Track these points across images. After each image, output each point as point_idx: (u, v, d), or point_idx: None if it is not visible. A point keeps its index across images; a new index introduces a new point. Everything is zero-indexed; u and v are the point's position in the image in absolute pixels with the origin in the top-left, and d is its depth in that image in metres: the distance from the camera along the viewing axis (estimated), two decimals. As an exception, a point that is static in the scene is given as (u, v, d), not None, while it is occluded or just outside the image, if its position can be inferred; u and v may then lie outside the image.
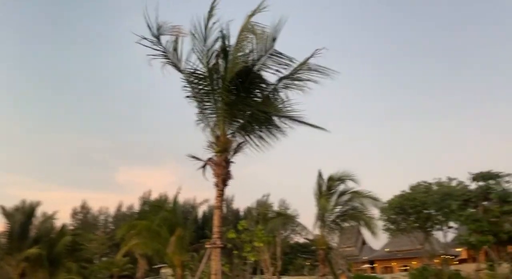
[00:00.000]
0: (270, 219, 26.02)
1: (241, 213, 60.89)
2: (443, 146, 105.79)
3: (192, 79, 10.16)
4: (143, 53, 9.41)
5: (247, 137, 10.94)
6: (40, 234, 26.76)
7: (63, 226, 28.63)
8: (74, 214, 63.87)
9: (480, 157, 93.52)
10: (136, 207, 62.37)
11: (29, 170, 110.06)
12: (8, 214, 26.05)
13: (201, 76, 10.14)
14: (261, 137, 11.10)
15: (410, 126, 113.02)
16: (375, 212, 23.13)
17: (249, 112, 10.74)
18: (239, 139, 10.85)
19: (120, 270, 41.32)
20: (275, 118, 10.98)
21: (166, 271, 43.52)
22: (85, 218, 64.02)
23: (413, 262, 41.60)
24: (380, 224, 33.27)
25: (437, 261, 32.65)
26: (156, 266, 45.77)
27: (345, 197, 22.70)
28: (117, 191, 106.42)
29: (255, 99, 10.79)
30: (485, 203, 21.69)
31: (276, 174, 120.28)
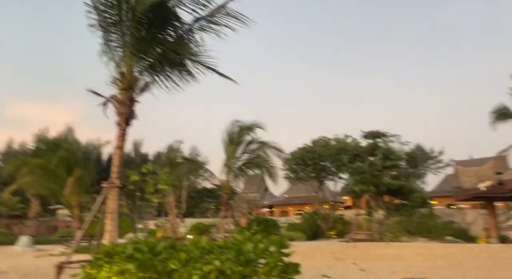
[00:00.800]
0: (179, 164, 26.16)
1: (150, 158, 59.72)
2: (348, 105, 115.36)
3: (98, 5, 9.11)
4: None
5: (156, 77, 10.47)
6: None
7: None
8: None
9: (375, 118, 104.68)
10: (29, 144, 56.50)
11: None
12: None
13: (109, 3, 9.16)
14: (171, 79, 10.72)
15: (321, 85, 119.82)
16: (278, 162, 24.84)
17: (160, 51, 10.20)
18: (147, 78, 10.35)
19: (9, 209, 38.14)
20: (188, 62, 10.63)
21: (63, 212, 41.48)
22: (-34, 153, 56.30)
23: (306, 207, 46.40)
24: (281, 173, 35.98)
25: (327, 207, 36.95)
26: (51, 207, 43.23)
27: (253, 146, 23.82)
28: (7, 126, 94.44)
29: (167, 37, 10.22)
30: (371, 158, 24.75)
31: (190, 120, 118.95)
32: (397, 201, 25.18)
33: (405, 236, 24.19)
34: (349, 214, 31.53)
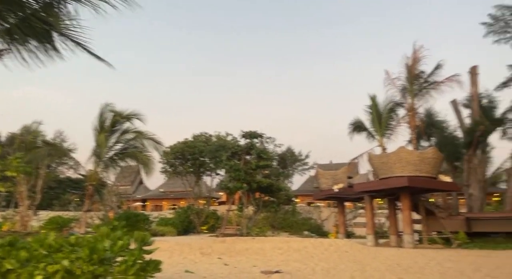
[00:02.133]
0: (36, 148, 22.86)
1: (2, 139, 50.90)
2: (234, 104, 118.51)
3: None
4: None
5: (12, 46, 8.93)
6: None
7: None
8: None
9: (254, 120, 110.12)
10: None
11: None
12: None
13: None
14: (32, 52, 9.28)
15: (207, 80, 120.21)
16: (156, 154, 23.90)
17: (21, 15, 8.72)
18: (1, 45, 8.76)
19: None
20: (55, 35, 9.35)
21: None
22: None
23: (181, 202, 46.00)
24: (159, 166, 34.86)
25: (202, 202, 37.27)
26: None
27: (128, 136, 22.41)
28: None
29: (32, 2, 8.82)
30: (247, 157, 25.90)
31: (59, 103, 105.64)
32: (266, 198, 26.94)
33: (270, 231, 26.10)
34: (222, 210, 32.43)
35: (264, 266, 10.19)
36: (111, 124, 22.20)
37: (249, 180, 24.82)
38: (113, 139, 22.18)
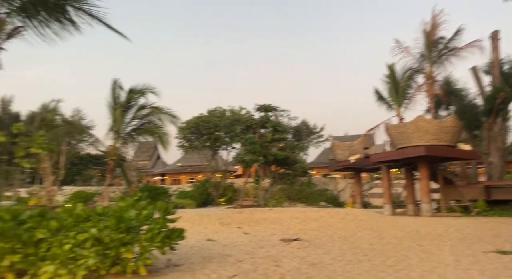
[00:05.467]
0: (56, 126, 23.37)
1: (23, 118, 52.17)
2: (246, 77, 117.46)
3: None
4: None
5: (28, 22, 8.95)
6: None
7: None
8: None
9: (270, 92, 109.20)
10: None
11: None
12: None
13: None
14: (48, 27, 9.30)
15: (220, 52, 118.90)
16: (172, 129, 24.15)
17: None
18: (17, 21, 8.80)
19: None
20: (70, 9, 9.32)
21: None
22: None
23: (199, 176, 46.84)
24: (175, 141, 35.33)
25: (219, 175, 37.86)
26: None
27: (144, 111, 22.52)
28: None
29: (44, -25, 8.76)
30: (262, 130, 25.93)
31: (74, 78, 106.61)
32: (281, 170, 27.15)
33: (286, 202, 26.46)
34: (239, 182, 32.93)
35: (282, 234, 10.42)
36: (126, 100, 22.33)
37: (265, 153, 24.94)
38: (129, 115, 22.37)
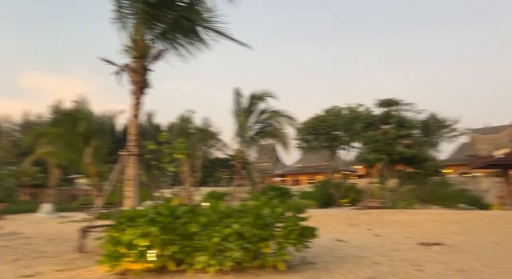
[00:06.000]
0: (192, 134, 26.33)
1: (163, 129, 60.30)
2: (360, 74, 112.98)
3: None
4: None
5: (168, 45, 10.34)
6: None
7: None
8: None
9: (388, 87, 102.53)
10: (46, 116, 57.51)
11: None
12: None
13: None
14: (183, 47, 10.59)
15: (334, 53, 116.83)
16: (290, 131, 24.75)
17: (172, 17, 10.00)
18: (159, 46, 10.23)
19: (30, 179, 39.43)
20: (199, 28, 10.43)
21: (81, 181, 42.73)
22: (-16, 125, 57.57)
23: (318, 177, 46.74)
24: (294, 142, 36.02)
25: (339, 176, 37.11)
26: (71, 176, 44.52)
27: (264, 116, 23.65)
28: (22, 97, 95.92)
29: (179, 3, 10.00)
30: (385, 126, 24.46)
31: (201, 90, 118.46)
32: (410, 169, 25.10)
33: (418, 204, 24.31)
34: (361, 183, 31.69)
35: (419, 238, 9.61)
36: (248, 106, 23.78)
37: (389, 151, 23.49)
38: (251, 120, 23.75)
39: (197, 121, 34.84)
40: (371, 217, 14.88)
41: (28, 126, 58.43)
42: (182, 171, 22.94)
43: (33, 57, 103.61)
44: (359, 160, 28.64)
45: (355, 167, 48.20)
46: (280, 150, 35.68)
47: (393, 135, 23.57)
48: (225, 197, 24.53)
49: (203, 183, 46.32)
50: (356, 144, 32.30)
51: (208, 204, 6.34)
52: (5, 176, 37.57)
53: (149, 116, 63.25)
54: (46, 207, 21.45)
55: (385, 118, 24.37)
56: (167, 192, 34.82)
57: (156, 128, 62.52)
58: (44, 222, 17.15)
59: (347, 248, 8.01)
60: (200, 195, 28.62)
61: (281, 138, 24.23)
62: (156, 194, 31.65)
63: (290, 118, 22.84)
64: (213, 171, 51.51)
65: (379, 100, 24.51)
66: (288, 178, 58.25)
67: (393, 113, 24.50)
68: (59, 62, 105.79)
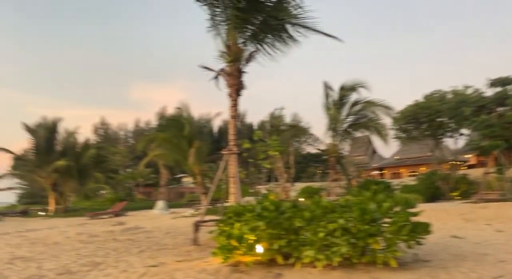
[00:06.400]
0: (283, 131, 26.69)
1: (255, 127, 62.39)
2: (461, 53, 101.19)
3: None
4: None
5: (259, 46, 10.64)
6: (65, 148, 28.31)
7: (87, 140, 30.06)
8: (95, 129, 66.41)
9: (499, 64, 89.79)
10: (153, 122, 64.16)
11: (45, 90, 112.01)
12: (31, 130, 27.24)
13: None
14: (273, 46, 10.79)
15: (425, 35, 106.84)
16: (387, 121, 23.36)
17: (261, 19, 10.27)
18: (251, 48, 10.59)
19: (144, 179, 44.53)
20: (288, 26, 10.51)
21: (187, 180, 46.67)
22: (106, 134, 66.63)
23: (421, 168, 43.25)
24: (391, 133, 33.84)
25: (446, 166, 33.74)
26: (177, 176, 49.02)
27: (357, 107, 22.77)
28: (132, 108, 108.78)
29: (267, 4, 10.21)
30: (500, 109, 21.47)
31: (287, 87, 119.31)
32: (536, 156, 21.63)
33: (549, 196, 20.81)
34: (474, 173, 28.38)
35: (556, 235, 8.26)
36: (338, 98, 23.16)
37: (507, 136, 20.60)
38: (344, 112, 23.09)
39: (287, 117, 35.24)
40: (489, 211, 13.23)
41: (139, 132, 65.97)
42: (277, 167, 23.40)
43: (139, 71, 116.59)
44: (470, 148, 25.62)
45: (464, 156, 43.35)
46: (376, 142, 34.01)
47: (511, 117, 20.56)
48: (320, 193, 24.29)
49: (296, 178, 46.67)
50: (465, 131, 28.95)
51: (303, 199, 6.36)
52: (125, 178, 43.03)
53: (241, 116, 66.01)
54: (160, 204, 23.92)
55: (501, 99, 21.36)
56: (262, 188, 35.92)
57: (248, 127, 64.95)
58: (159, 218, 19.15)
59: (465, 245, 7.27)
60: (295, 190, 28.85)
61: (377, 129, 23.05)
62: (252, 190, 32.96)
63: (386, 107, 21.59)
64: (306, 166, 51.51)
65: (491, 79, 21.59)
66: (386, 172, 55.16)
67: (510, 93, 21.35)
68: (161, 73, 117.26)
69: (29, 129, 27.19)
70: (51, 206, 26.82)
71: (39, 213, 25.95)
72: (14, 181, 31.94)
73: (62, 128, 28.92)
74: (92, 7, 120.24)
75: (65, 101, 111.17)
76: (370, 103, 22.40)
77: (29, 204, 34.38)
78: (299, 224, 5.66)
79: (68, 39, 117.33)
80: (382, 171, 55.21)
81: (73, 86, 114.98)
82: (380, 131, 22.16)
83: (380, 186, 21.60)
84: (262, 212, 5.71)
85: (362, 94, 22.47)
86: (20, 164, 27.84)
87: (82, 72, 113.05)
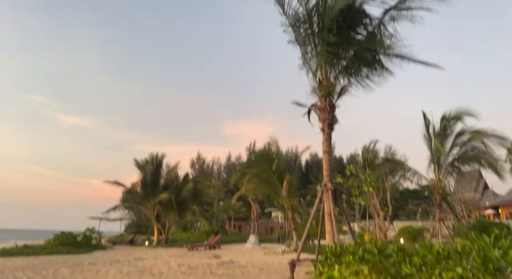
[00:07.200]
0: (377, 165, 25.21)
1: (345, 161, 60.37)
2: None
3: (293, 22, 9.84)
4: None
5: (351, 79, 10.47)
6: (167, 182, 30.78)
7: (187, 175, 32.25)
8: (192, 164, 71.41)
9: None
10: (243, 157, 66.67)
11: (148, 129, 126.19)
12: (140, 166, 30.35)
13: (301, 18, 9.79)
14: (366, 78, 10.52)
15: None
16: (501, 152, 20.54)
17: (352, 52, 10.16)
18: (342, 82, 10.48)
19: (235, 212, 45.79)
20: (381, 56, 10.21)
21: (276, 214, 46.69)
22: (201, 168, 71.09)
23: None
24: (507, 166, 29.56)
25: None
26: (266, 210, 49.37)
27: (464, 138, 20.54)
28: (224, 143, 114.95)
29: (358, 37, 10.10)
30: None
31: (378, 116, 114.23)
32: None
33: None
34: None
35: None
36: (441, 128, 21.26)
37: None
38: (448, 144, 21.03)
39: (381, 150, 33.35)
40: None
41: (231, 167, 68.99)
42: (372, 204, 22.00)
43: (229, 109, 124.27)
44: None
45: None
46: (488, 177, 29.94)
47: None
48: (423, 234, 21.94)
49: (393, 216, 43.19)
50: None
51: (402, 240, 5.75)
52: (219, 211, 44.81)
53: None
54: (253, 238, 24.13)
55: None
56: (355, 226, 33.95)
57: (338, 161, 63.15)
58: (252, 252, 19.24)
59: None
60: (393, 229, 26.62)
61: (490, 162, 20.34)
62: (345, 228, 31.29)
63: (499, 137, 19.02)
64: (403, 203, 47.49)
65: None
66: (502, 211, 47.79)
67: None
68: (251, 109, 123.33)
69: (138, 165, 30.34)
70: (155, 236, 29.01)
71: (144, 242, 28.27)
72: (123, 212, 35.57)
73: (164, 164, 31.63)
74: (193, 60, 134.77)
75: (166, 139, 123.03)
76: (479, 133, 20.04)
77: (135, 233, 37.66)
78: (407, 270, 5.11)
79: (172, 86, 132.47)
80: (497, 210, 48.01)
81: (174, 125, 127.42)
82: (493, 164, 19.50)
83: (500, 229, 18.73)
84: (364, 254, 5.31)
85: (468, 123, 20.29)
86: (130, 196, 30.98)
87: (182, 113, 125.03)
